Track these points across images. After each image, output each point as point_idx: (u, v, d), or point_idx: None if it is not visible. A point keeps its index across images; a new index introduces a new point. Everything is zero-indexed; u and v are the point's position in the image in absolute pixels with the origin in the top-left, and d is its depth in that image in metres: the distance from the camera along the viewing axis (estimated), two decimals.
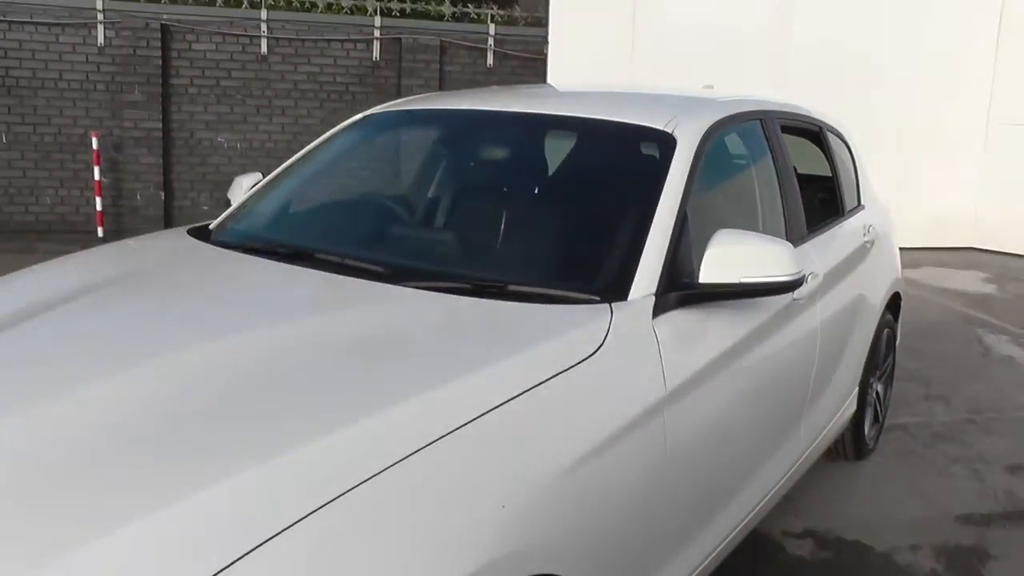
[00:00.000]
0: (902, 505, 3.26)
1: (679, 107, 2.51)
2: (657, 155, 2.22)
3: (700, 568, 2.09)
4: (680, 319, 1.97)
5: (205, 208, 8.09)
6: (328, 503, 1.20)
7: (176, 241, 2.60)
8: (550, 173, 2.48)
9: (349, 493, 1.22)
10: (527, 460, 1.46)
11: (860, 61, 8.59)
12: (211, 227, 2.71)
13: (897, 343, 3.99)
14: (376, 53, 8.31)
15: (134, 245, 2.80)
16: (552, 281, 2.03)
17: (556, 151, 2.48)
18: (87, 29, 7.48)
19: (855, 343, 3.16)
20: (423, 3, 8.70)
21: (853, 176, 3.63)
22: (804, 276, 2.13)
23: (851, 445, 3.50)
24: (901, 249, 4.20)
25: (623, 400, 1.71)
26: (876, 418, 3.68)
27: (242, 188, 2.97)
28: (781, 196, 2.73)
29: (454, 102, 2.89)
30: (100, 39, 7.49)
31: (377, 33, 8.25)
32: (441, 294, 1.90)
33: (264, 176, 3.02)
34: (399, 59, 8.34)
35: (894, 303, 3.72)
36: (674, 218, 2.06)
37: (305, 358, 1.59)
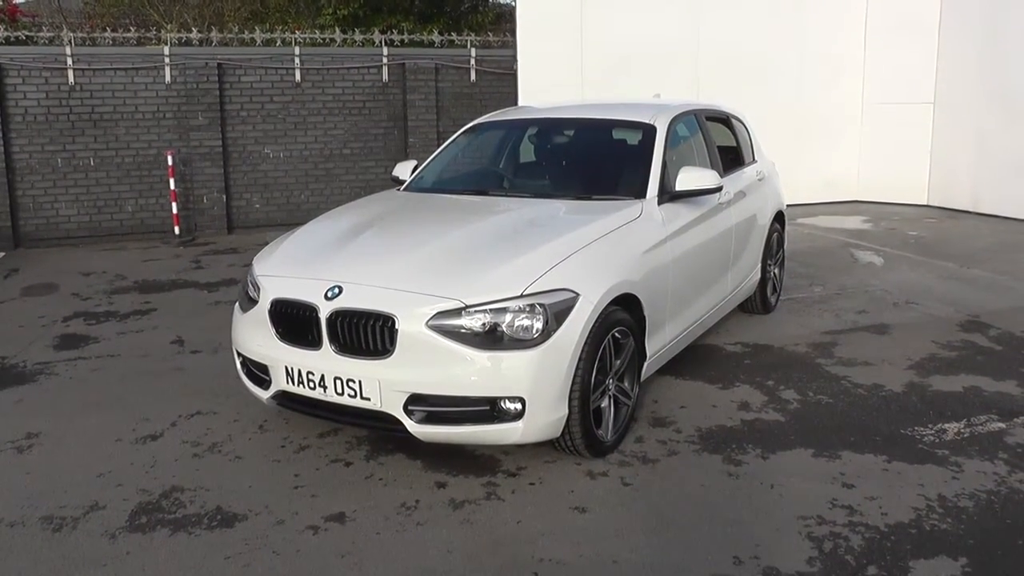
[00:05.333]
0: (790, 329, 5.57)
1: (654, 109, 4.77)
2: (649, 134, 4.49)
3: (687, 330, 4.37)
4: (668, 207, 4.22)
5: (257, 206, 10.01)
6: (578, 250, 3.40)
7: (398, 192, 4.77)
8: (596, 146, 4.76)
9: (583, 248, 3.43)
10: (627, 248, 3.68)
11: (757, 58, 10.63)
12: (402, 188, 4.87)
13: (785, 243, 6.33)
14: (385, 75, 10.37)
15: (384, 195, 4.87)
16: (611, 193, 4.26)
17: (594, 135, 4.77)
18: (156, 71, 9.34)
19: (755, 236, 5.47)
20: (418, 34, 10.78)
21: (748, 143, 5.97)
22: (722, 187, 4.42)
23: (759, 304, 5.81)
24: (800, 205, 6.46)
25: (651, 235, 3.94)
26: (775, 288, 6.03)
27: (406, 168, 5.07)
28: (708, 153, 5.03)
29: (525, 113, 5.18)
30: (167, 78, 9.36)
31: (385, 60, 10.31)
32: (565, 200, 4.16)
33: (418, 162, 5.14)
34: (403, 79, 10.42)
35: (779, 217, 6.06)
36: (661, 163, 4.32)
37: (534, 220, 3.81)
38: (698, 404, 4.21)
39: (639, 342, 3.73)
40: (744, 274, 5.30)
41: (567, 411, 3.26)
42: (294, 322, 3.41)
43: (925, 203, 11.12)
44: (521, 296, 3.16)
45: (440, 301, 3.15)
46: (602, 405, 3.47)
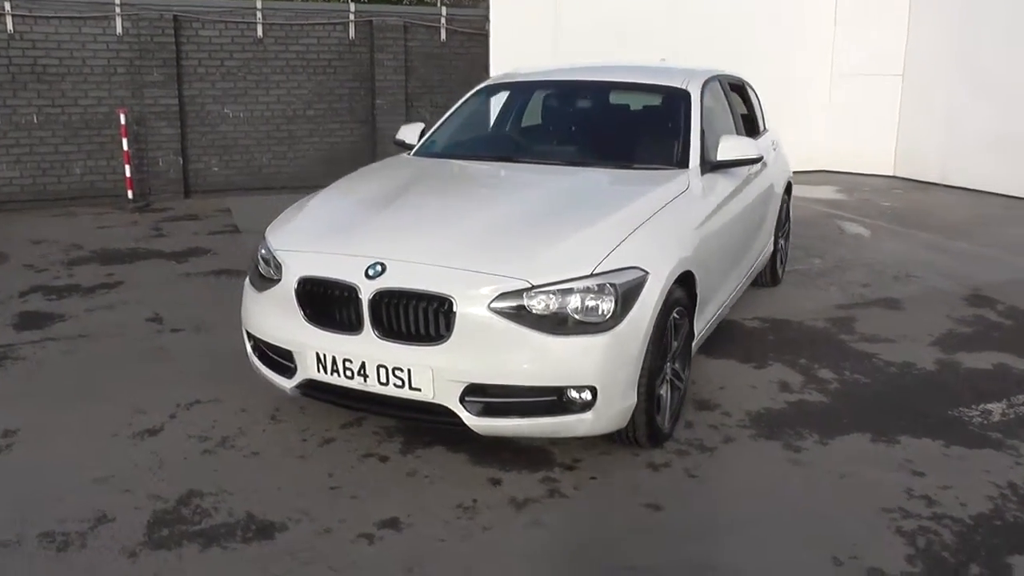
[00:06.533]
0: (802, 303, 5.44)
1: (684, 74, 4.49)
2: (684, 100, 4.21)
3: (723, 306, 4.16)
4: (708, 177, 3.97)
5: (216, 169, 9.38)
6: (641, 224, 3.13)
7: (412, 158, 4.38)
8: (628, 111, 4.46)
9: (646, 222, 3.16)
10: (683, 221, 3.42)
11: (731, 32, 10.43)
12: (412, 153, 4.48)
13: (791, 215, 6.20)
14: (351, 33, 9.80)
15: (398, 160, 4.48)
16: (652, 162, 3.98)
17: (624, 99, 4.46)
18: (106, 21, 8.57)
19: (772, 208, 5.29)
20: None
21: (760, 112, 5.76)
22: (762, 157, 4.19)
23: (769, 277, 5.66)
24: None
25: (701, 208, 3.69)
26: (782, 260, 5.89)
27: (413, 132, 4.66)
28: (733, 121, 4.79)
29: (542, 75, 4.84)
30: (118, 29, 8.61)
31: (352, 17, 9.74)
32: (604, 169, 3.87)
33: (426, 125, 4.74)
34: (371, 37, 9.87)
35: (788, 188, 5.91)
36: (700, 131, 4.06)
37: (581, 191, 3.52)
38: (736, 385, 4.02)
39: (690, 321, 3.50)
40: (763, 246, 5.12)
41: (635, 399, 3.00)
42: (327, 303, 3.05)
43: (891, 174, 11.21)
44: (591, 275, 2.87)
45: (504, 281, 2.83)
46: (661, 391, 3.23)
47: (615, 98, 4.54)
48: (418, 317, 2.88)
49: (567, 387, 2.84)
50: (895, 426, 3.59)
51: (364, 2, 10.06)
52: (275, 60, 9.42)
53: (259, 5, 9.16)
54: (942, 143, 10.51)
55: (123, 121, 8.52)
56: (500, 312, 2.81)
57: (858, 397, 3.91)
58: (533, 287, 2.82)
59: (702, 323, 3.76)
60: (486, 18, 10.79)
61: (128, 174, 8.70)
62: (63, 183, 8.73)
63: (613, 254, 2.95)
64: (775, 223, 5.45)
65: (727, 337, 4.67)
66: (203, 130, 9.22)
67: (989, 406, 3.82)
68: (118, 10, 8.53)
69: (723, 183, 4.07)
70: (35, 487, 3.03)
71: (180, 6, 8.80)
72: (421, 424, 3.29)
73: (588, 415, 2.87)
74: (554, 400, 2.87)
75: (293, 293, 3.10)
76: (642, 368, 2.99)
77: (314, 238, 3.29)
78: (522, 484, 3.02)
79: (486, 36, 10.50)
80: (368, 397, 3.02)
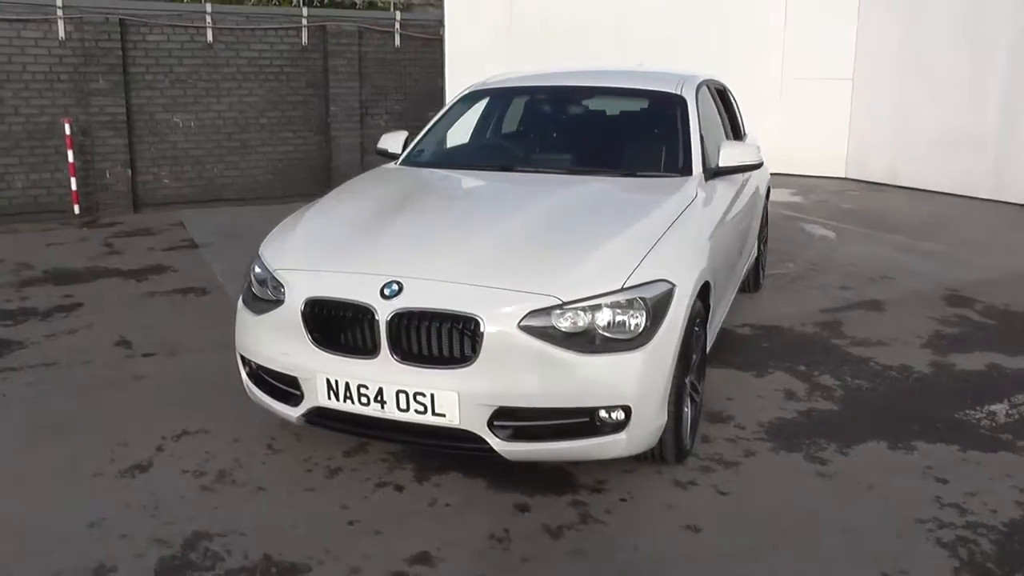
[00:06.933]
0: (786, 308, 5.43)
1: (675, 79, 4.42)
2: (681, 106, 4.14)
3: (723, 315, 4.09)
4: (710, 184, 3.90)
5: (166, 181, 8.99)
6: (663, 235, 3.02)
7: (402, 168, 4.20)
8: (625, 118, 4.36)
9: (666, 233, 3.05)
10: (698, 230, 3.33)
11: (685, 34, 10.58)
12: (399, 163, 4.30)
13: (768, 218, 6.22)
14: (305, 38, 9.52)
15: (387, 172, 4.29)
16: (654, 170, 3.90)
17: (618, 105, 4.36)
18: (47, 24, 8.11)
19: (757, 212, 5.27)
20: None
21: (740, 116, 5.75)
22: (763, 163, 4.15)
23: (753, 282, 5.66)
24: None
25: (711, 216, 3.62)
26: (762, 265, 5.89)
27: (396, 140, 4.48)
28: (723, 125, 4.75)
29: (529, 80, 4.70)
30: (61, 33, 8.16)
31: (305, 22, 9.46)
32: (608, 177, 3.76)
33: (409, 133, 4.57)
34: (324, 43, 9.61)
35: (768, 192, 5.92)
36: (700, 137, 3.99)
37: (593, 201, 3.40)
38: (743, 395, 3.96)
39: (705, 332, 3.42)
40: (750, 251, 5.10)
41: (666, 417, 2.90)
42: (337, 326, 2.86)
43: (843, 176, 11.45)
44: (622, 290, 2.75)
45: (532, 298, 2.69)
46: (685, 407, 3.13)
47: (611, 103, 4.44)
48: (440, 338, 2.72)
49: (600, 407, 2.72)
50: (908, 432, 3.57)
51: (317, 6, 9.80)
52: (226, 67, 9.08)
53: (209, 9, 8.82)
54: (892, 145, 10.78)
55: (68, 131, 8.08)
56: (529, 331, 2.67)
57: (865, 403, 3.89)
58: (563, 304, 2.69)
59: (712, 333, 3.69)
60: (440, 23, 10.65)
61: (74, 187, 8.27)
62: (3, 198, 8.25)
63: (641, 267, 2.84)
64: (760, 225, 5.45)
65: (723, 345, 4.61)
66: (152, 140, 8.82)
67: (992, 407, 3.84)
68: (60, 13, 8.09)
69: (723, 189, 4.02)
70: (18, 539, 2.75)
71: (126, 9, 8.40)
72: (440, 451, 3.11)
73: (622, 436, 2.76)
74: (586, 422, 2.74)
75: (299, 315, 2.90)
76: (671, 384, 2.89)
77: (318, 256, 3.09)
78: (551, 509, 2.88)
79: (440, 41, 10.37)
80: (385, 425, 2.85)
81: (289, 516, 2.87)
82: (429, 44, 10.45)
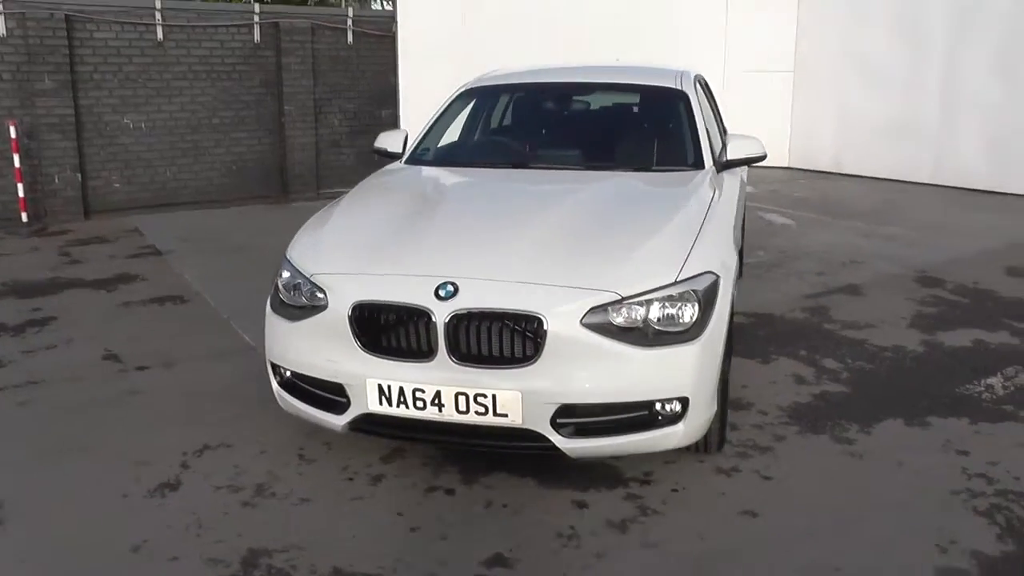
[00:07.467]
0: (771, 296, 5.59)
1: (672, 74, 4.49)
2: (683, 100, 4.21)
3: None
4: (720, 176, 3.99)
5: (117, 186, 8.60)
6: (700, 228, 3.06)
7: (413, 168, 4.14)
8: (631, 113, 4.40)
9: (703, 226, 3.09)
10: (724, 222, 3.38)
11: (632, 31, 10.71)
12: (404, 162, 4.24)
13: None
14: (257, 35, 9.25)
15: (401, 171, 4.20)
16: (669, 164, 3.97)
17: (622, 101, 4.41)
18: None
19: (743, 197, 5.41)
20: None
21: (718, 109, 5.88)
22: (767, 155, 4.26)
23: (737, 268, 5.78)
24: None
25: (730, 208, 3.69)
26: (742, 253, 6.05)
27: (395, 139, 4.41)
28: (715, 118, 4.85)
29: (529, 77, 4.70)
30: (2, 30, 7.69)
31: (257, 18, 9.20)
32: (629, 172, 3.79)
33: (407, 132, 4.50)
34: (277, 40, 9.36)
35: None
36: (706, 131, 4.07)
37: (624, 196, 3.42)
38: (756, 381, 4.06)
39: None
40: (740, 239, 5.23)
41: (716, 407, 2.95)
42: (385, 330, 2.81)
43: (787, 165, 11.81)
44: (676, 283, 2.79)
45: (594, 294, 2.70)
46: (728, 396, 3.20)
47: (614, 99, 4.48)
48: (501, 338, 2.70)
49: (659, 400, 2.75)
50: (919, 408, 3.73)
51: (269, 3, 9.54)
52: (177, 65, 8.75)
53: (158, 5, 8.48)
54: (835, 134, 11.19)
55: (13, 134, 7.65)
56: (591, 327, 2.68)
57: (871, 384, 4.05)
58: (622, 299, 2.71)
59: None
60: (393, 19, 10.53)
61: (21, 194, 7.84)
62: None
63: (689, 260, 2.88)
64: (743, 208, 5.59)
65: None
66: (102, 143, 8.43)
67: (988, 381, 4.05)
68: (1, 7, 7.64)
69: (729, 181, 4.11)
70: (63, 567, 2.61)
71: (72, 5, 7.99)
72: (495, 452, 3.08)
73: (679, 427, 2.80)
74: (644, 415, 2.78)
75: (346, 320, 2.83)
76: (720, 374, 2.95)
77: (360, 259, 3.02)
78: (608, 504, 2.91)
79: (393, 38, 10.24)
80: (441, 428, 2.81)
81: (345, 526, 2.81)
82: (382, 40, 10.29)
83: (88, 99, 8.25)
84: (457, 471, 3.15)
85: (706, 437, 3.05)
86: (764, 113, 11.71)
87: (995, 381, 4.06)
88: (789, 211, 8.57)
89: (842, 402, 3.82)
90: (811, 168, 11.47)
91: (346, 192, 3.90)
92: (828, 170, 11.24)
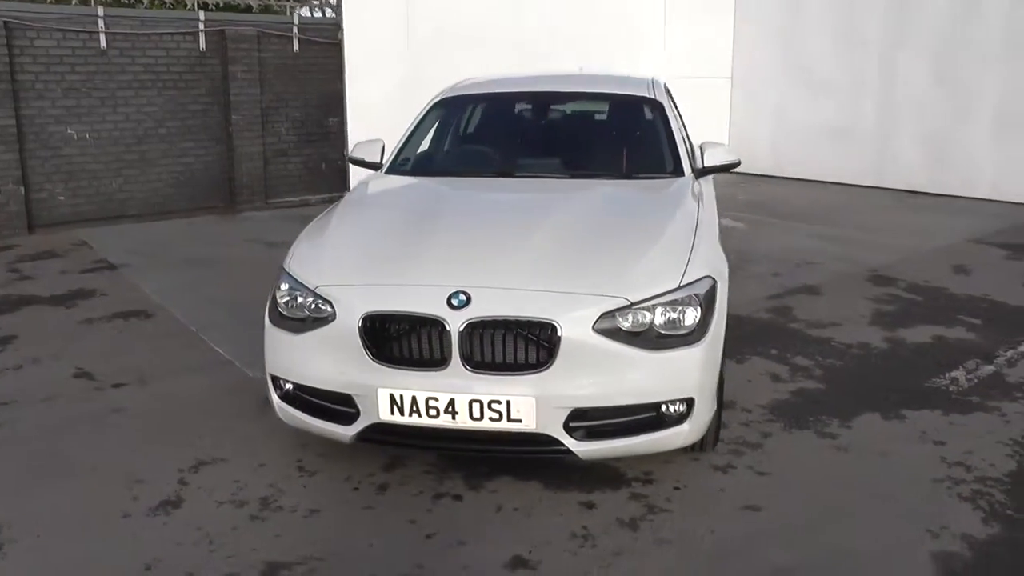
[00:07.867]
0: (735, 297, 5.74)
1: (643, 82, 4.62)
2: (658, 108, 4.34)
3: None
4: (699, 182, 4.12)
5: (62, 198, 8.30)
6: (695, 233, 3.17)
7: (396, 178, 4.14)
8: (609, 122, 4.50)
9: (697, 231, 3.21)
10: (712, 227, 3.50)
11: (571, 41, 10.76)
12: (385, 171, 4.25)
13: None
14: (202, 43, 9.06)
15: (386, 181, 4.19)
16: (650, 171, 4.08)
17: (598, 110, 4.51)
18: None
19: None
20: None
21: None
22: (740, 161, 4.41)
23: None
24: None
25: (711, 213, 3.81)
26: None
27: (373, 149, 4.40)
28: (680, 121, 5.01)
29: (502, 86, 4.76)
30: None
31: (202, 26, 9.01)
32: (614, 180, 3.89)
33: (384, 140, 4.49)
34: (223, 48, 9.18)
35: None
36: (683, 139, 4.21)
37: (618, 203, 3.51)
38: (734, 380, 4.19)
39: None
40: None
41: (715, 406, 3.07)
42: (396, 340, 2.83)
43: None
44: (679, 287, 2.89)
45: (604, 300, 2.78)
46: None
47: (591, 109, 4.59)
48: (515, 345, 2.75)
49: (666, 401, 2.84)
50: (892, 402, 3.93)
51: (213, 10, 9.37)
52: (121, 74, 8.50)
53: (101, 12, 8.23)
54: (774, 138, 11.60)
55: None
56: (602, 332, 2.76)
57: (844, 380, 4.24)
58: (631, 304, 2.80)
59: None
60: (338, 27, 10.44)
61: None
62: None
63: (690, 265, 2.99)
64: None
65: None
66: (45, 154, 8.12)
67: (953, 374, 4.29)
68: None
69: (707, 187, 4.25)
70: None
71: (10, 11, 7.69)
72: (507, 457, 3.12)
73: (684, 427, 2.89)
74: (653, 416, 2.86)
75: (356, 332, 2.84)
76: (719, 374, 3.07)
77: (364, 271, 3.03)
78: (616, 504, 2.98)
79: (339, 45, 10.16)
80: (453, 435, 2.85)
81: (360, 537, 2.81)
82: (329, 48, 10.20)
83: (30, 109, 7.94)
84: (461, 477, 3.18)
85: (704, 436, 3.16)
86: (703, 119, 12.00)
87: (959, 374, 4.30)
88: (736, 214, 8.83)
89: (819, 398, 4.00)
90: (752, 172, 11.83)
91: (295, 201, 3.89)
92: (768, 173, 11.64)
